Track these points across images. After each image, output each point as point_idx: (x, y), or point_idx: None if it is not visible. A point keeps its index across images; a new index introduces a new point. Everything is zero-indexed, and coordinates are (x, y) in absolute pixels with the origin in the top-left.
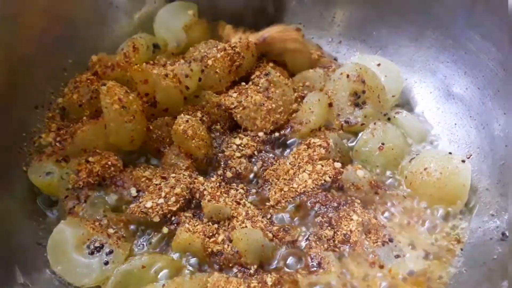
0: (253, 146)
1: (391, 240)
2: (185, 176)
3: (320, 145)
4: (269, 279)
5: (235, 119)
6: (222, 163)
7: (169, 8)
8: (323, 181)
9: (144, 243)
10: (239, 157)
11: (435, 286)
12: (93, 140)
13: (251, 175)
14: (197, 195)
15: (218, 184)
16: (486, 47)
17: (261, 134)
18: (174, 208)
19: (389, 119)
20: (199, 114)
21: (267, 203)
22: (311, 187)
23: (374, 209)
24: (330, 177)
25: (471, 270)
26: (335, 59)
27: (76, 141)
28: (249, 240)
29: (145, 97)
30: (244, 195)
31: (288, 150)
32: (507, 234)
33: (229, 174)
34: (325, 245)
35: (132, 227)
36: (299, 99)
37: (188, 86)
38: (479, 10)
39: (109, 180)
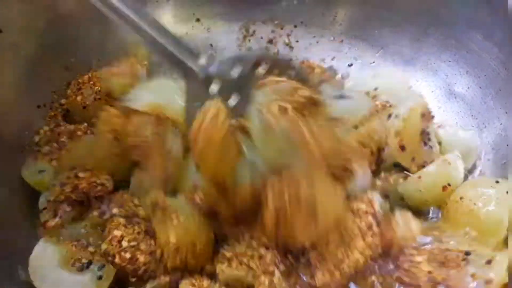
0: None
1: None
2: None
3: (366, 212)
4: None
5: None
6: None
7: None
8: (376, 255)
9: None
10: None
11: None
12: (83, 156)
13: None
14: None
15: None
16: (488, 47)
17: None
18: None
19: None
20: None
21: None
22: (363, 264)
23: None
24: (382, 248)
25: None
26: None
27: (66, 156)
28: None
29: None
30: (275, 262)
31: None
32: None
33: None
34: None
35: None
36: None
37: None
38: (481, 10)
39: (94, 199)
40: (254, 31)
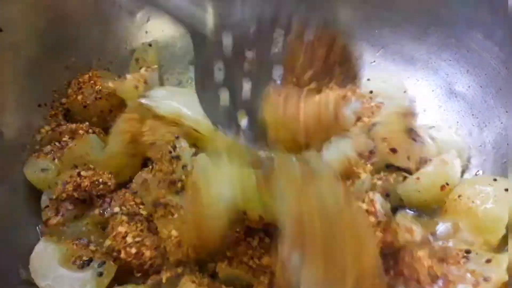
0: None
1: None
2: None
3: (367, 211)
4: None
5: None
6: None
7: None
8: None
9: None
10: None
11: None
12: (83, 156)
13: None
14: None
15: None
16: (489, 46)
17: None
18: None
19: None
20: None
21: None
22: None
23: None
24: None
25: None
26: None
27: (67, 155)
28: None
29: None
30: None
31: None
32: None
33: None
34: None
35: None
36: None
37: None
38: (482, 9)
39: (96, 198)
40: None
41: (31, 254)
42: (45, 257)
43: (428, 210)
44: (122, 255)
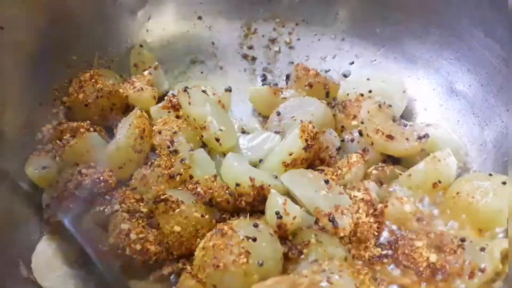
0: None
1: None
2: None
3: (362, 200)
4: None
5: None
6: None
7: None
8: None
9: None
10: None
11: None
12: (84, 153)
13: None
14: None
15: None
16: (490, 44)
17: None
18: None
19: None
20: None
21: None
22: None
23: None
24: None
25: None
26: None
27: (68, 153)
28: None
29: None
30: None
31: None
32: None
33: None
34: None
35: None
36: None
37: None
38: (483, 7)
39: (97, 196)
40: (255, 29)
41: (33, 252)
42: (48, 255)
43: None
44: (127, 252)
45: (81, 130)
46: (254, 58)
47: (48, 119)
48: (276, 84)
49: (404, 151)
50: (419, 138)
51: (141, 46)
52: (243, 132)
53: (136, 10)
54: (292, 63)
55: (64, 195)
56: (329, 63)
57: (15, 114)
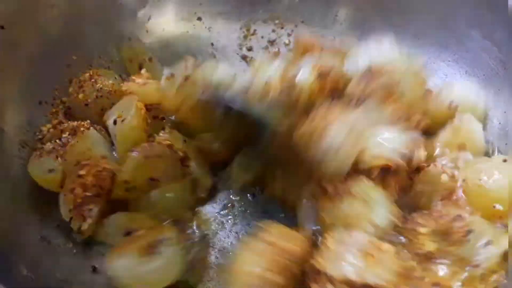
0: None
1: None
2: None
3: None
4: None
5: None
6: None
7: None
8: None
9: None
10: None
11: None
12: (85, 152)
13: None
14: None
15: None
16: (488, 46)
17: None
18: None
19: None
20: None
21: None
22: None
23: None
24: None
25: None
26: None
27: (69, 153)
28: None
29: None
30: None
31: None
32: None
33: None
34: None
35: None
36: None
37: None
38: (481, 9)
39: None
40: (255, 30)
41: (32, 251)
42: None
43: None
44: None
45: (81, 129)
46: (253, 59)
47: (48, 118)
48: None
49: (435, 108)
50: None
51: (129, 39)
52: None
53: (137, 10)
54: None
55: (79, 203)
56: None
57: (15, 113)
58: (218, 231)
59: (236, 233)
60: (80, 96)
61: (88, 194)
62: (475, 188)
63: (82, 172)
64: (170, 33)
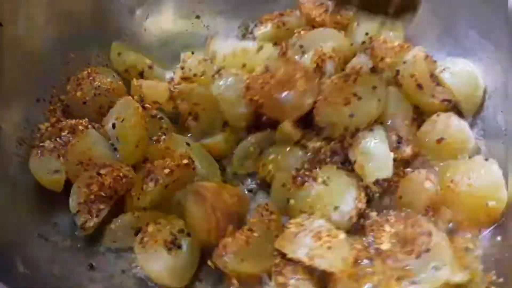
0: None
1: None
2: None
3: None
4: None
5: None
6: None
7: None
8: None
9: None
10: None
11: None
12: (86, 151)
13: None
14: None
15: None
16: (485, 45)
17: None
18: None
19: None
20: None
21: None
22: None
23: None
24: None
25: None
26: None
27: (70, 153)
28: None
29: None
30: None
31: None
32: None
33: None
34: None
35: None
36: None
37: None
38: (480, 8)
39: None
40: (253, 29)
41: (30, 249)
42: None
43: None
44: None
45: (80, 127)
46: None
47: (45, 116)
48: None
49: (424, 103)
50: (443, 100)
51: (119, 53)
52: None
53: (135, 8)
54: None
55: (91, 199)
56: None
57: (13, 111)
58: None
59: None
60: (78, 94)
61: (102, 193)
62: (465, 189)
63: (103, 172)
64: (168, 31)
